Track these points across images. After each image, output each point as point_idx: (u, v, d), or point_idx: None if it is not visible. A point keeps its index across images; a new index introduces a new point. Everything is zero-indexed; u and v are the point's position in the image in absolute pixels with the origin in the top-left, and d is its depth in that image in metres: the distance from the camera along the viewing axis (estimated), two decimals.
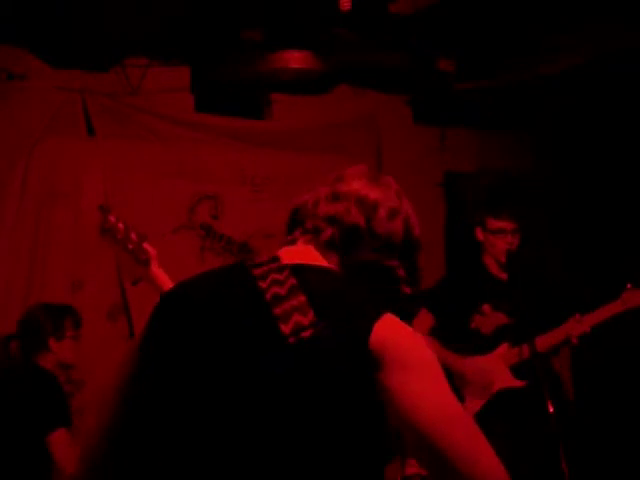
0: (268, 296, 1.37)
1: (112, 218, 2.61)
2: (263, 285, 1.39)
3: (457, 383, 3.56)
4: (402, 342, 1.33)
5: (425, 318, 3.71)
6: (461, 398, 3.51)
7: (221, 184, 4.79)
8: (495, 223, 3.61)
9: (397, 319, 1.36)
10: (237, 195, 4.84)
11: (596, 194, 5.19)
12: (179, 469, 1.36)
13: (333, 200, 1.51)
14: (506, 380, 3.52)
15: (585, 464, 3.52)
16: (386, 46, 4.25)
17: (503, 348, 3.55)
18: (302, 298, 1.35)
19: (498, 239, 3.59)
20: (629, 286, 3.35)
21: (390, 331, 1.33)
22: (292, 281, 1.38)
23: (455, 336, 3.67)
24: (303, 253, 1.49)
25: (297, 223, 1.55)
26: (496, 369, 3.54)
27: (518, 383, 3.50)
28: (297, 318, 1.32)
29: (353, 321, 1.33)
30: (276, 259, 1.46)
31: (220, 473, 1.32)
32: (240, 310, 1.40)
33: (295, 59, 3.94)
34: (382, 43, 4.20)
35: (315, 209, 1.53)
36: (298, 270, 1.42)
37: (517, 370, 3.51)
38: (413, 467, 2.74)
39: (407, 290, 1.54)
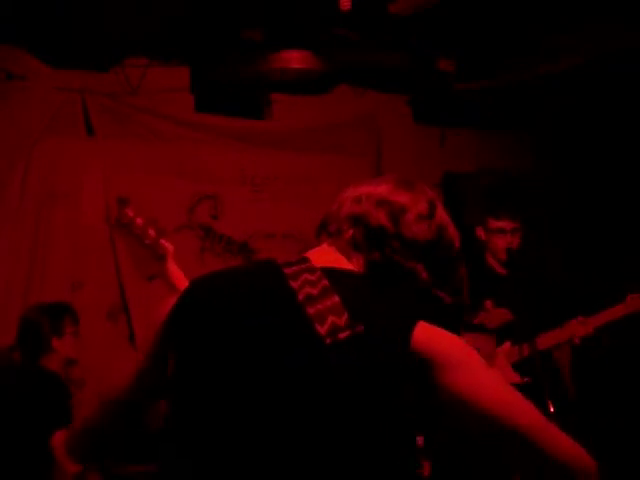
0: (301, 296, 1.38)
1: (130, 212, 2.53)
2: (295, 285, 1.40)
3: None
4: (447, 342, 1.36)
5: None
6: None
7: (221, 184, 4.79)
8: (495, 223, 3.70)
9: (429, 323, 1.37)
10: (237, 195, 4.84)
11: (596, 194, 5.19)
12: (210, 464, 1.38)
13: (357, 202, 1.52)
14: (507, 377, 3.57)
15: None
16: (386, 46, 4.25)
17: (506, 345, 3.65)
18: (336, 299, 1.36)
19: (498, 238, 3.68)
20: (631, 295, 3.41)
21: (431, 333, 1.35)
22: (324, 282, 1.40)
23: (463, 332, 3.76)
24: (328, 255, 1.50)
25: (323, 227, 1.56)
26: (498, 366, 3.61)
27: (517, 380, 3.57)
28: (332, 319, 1.33)
29: (390, 324, 1.35)
30: (306, 260, 1.47)
31: (252, 467, 1.34)
32: (271, 306, 1.41)
33: (295, 59, 3.94)
34: (382, 43, 4.21)
35: (339, 212, 1.54)
36: (328, 273, 1.43)
37: (518, 367, 3.58)
38: None
39: (441, 295, 1.54)
